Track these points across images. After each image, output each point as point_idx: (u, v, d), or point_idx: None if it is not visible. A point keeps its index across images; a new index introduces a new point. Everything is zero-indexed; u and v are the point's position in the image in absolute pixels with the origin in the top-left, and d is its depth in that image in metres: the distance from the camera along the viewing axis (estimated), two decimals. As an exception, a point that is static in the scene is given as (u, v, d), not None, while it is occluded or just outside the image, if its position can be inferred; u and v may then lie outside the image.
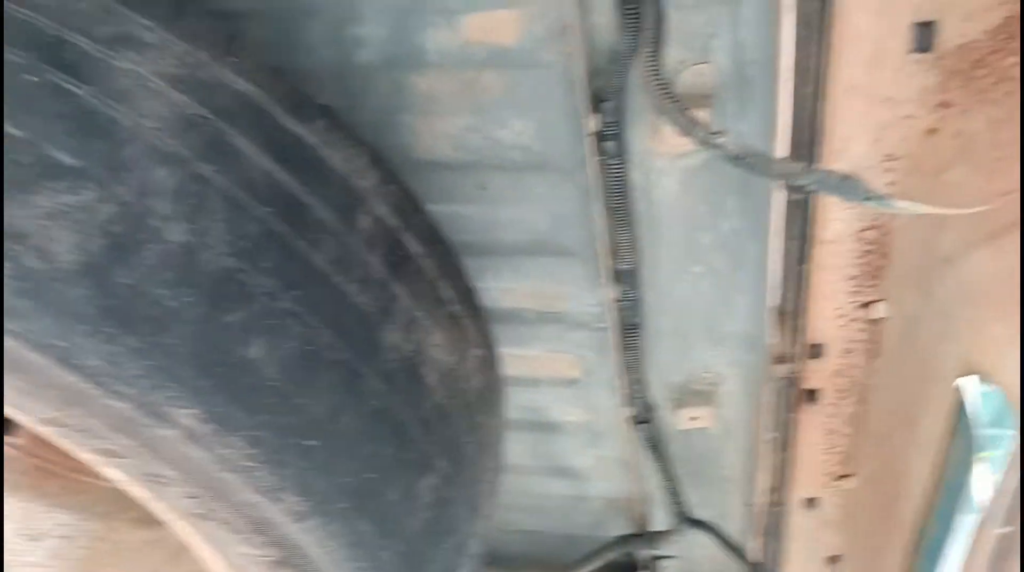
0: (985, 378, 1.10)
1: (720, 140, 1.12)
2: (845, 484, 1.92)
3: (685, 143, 1.65)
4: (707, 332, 2.12)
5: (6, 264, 0.99)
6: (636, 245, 1.90)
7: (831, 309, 1.62)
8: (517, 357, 2.36)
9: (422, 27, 1.66)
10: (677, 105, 1.15)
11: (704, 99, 1.63)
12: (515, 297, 2.19)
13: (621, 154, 1.72)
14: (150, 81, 1.16)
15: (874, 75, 1.27)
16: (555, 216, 1.95)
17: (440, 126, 1.82)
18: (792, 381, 1.82)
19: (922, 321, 1.29)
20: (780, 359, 1.81)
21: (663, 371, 2.25)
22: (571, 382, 2.38)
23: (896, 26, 1.21)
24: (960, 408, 1.20)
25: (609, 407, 2.40)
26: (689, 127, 1.13)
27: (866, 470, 1.76)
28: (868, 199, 1.10)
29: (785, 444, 1.98)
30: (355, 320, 1.29)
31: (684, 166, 1.78)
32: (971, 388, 1.16)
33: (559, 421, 2.55)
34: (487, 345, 1.70)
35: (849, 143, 1.37)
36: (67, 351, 1.04)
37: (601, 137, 1.69)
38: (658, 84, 1.17)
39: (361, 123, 1.82)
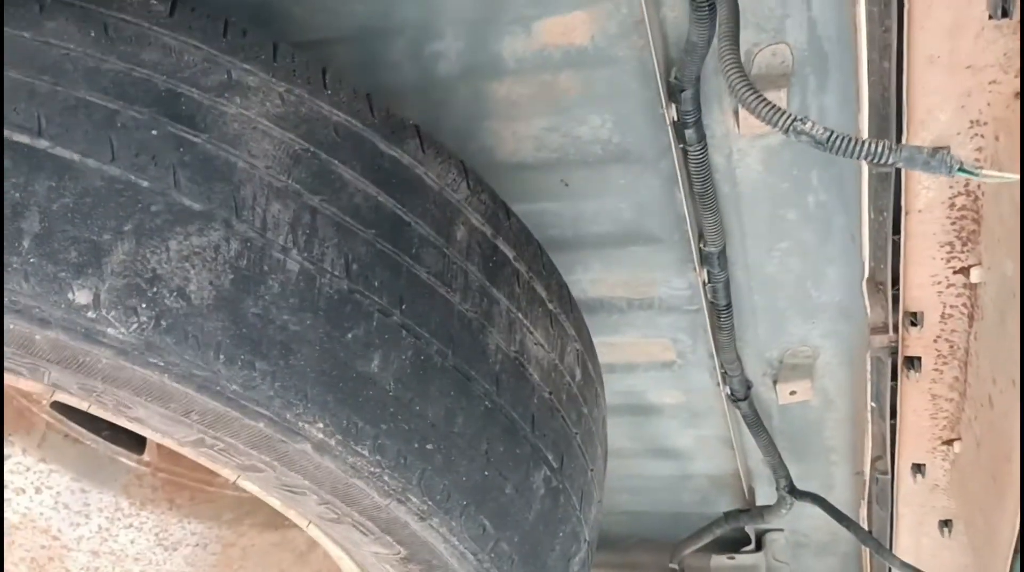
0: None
1: (805, 126, 1.14)
2: (953, 449, 1.92)
3: (765, 125, 1.68)
4: (800, 306, 2.13)
5: (151, 307, 1.09)
6: (722, 227, 1.92)
7: (927, 276, 1.62)
8: (612, 345, 2.40)
9: (498, 36, 1.71)
10: (758, 96, 1.17)
11: (782, 78, 1.65)
12: (606, 287, 2.24)
13: (702, 139, 1.75)
14: (257, 123, 1.25)
15: (954, 44, 1.27)
16: (639, 205, 1.98)
17: (521, 128, 1.88)
18: (892, 350, 1.82)
19: (1019, 284, 1.29)
20: (879, 329, 1.82)
21: (759, 347, 2.27)
22: (667, 365, 2.42)
23: (973, -6, 1.22)
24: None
25: (707, 387, 2.43)
26: (773, 116, 1.16)
27: (973, 433, 1.75)
28: (959, 171, 1.11)
29: (890, 412, 1.97)
30: (461, 327, 1.37)
31: (765, 145, 1.80)
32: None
33: (658, 404, 2.59)
34: (584, 338, 1.76)
35: (933, 113, 1.37)
36: (208, 380, 1.14)
37: (681, 125, 1.72)
38: (739, 77, 1.19)
39: (446, 131, 1.91)
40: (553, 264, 1.72)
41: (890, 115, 1.41)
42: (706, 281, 2.05)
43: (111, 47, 1.23)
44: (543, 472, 1.49)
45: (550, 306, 1.62)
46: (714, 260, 1.98)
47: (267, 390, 1.16)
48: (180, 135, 1.19)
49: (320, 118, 1.32)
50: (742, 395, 2.34)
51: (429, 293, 1.34)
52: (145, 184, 1.14)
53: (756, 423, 2.41)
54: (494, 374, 1.40)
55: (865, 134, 1.48)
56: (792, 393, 2.28)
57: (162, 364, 1.12)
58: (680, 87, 1.64)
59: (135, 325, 1.10)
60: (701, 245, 1.97)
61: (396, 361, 1.26)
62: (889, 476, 2.12)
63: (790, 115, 1.15)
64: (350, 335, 1.22)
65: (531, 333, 1.53)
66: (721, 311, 2.10)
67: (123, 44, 1.24)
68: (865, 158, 1.13)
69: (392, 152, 1.39)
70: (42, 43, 1.19)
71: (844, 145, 1.13)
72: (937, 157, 1.11)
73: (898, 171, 1.52)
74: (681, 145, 1.76)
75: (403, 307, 1.29)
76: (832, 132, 1.13)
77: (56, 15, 1.22)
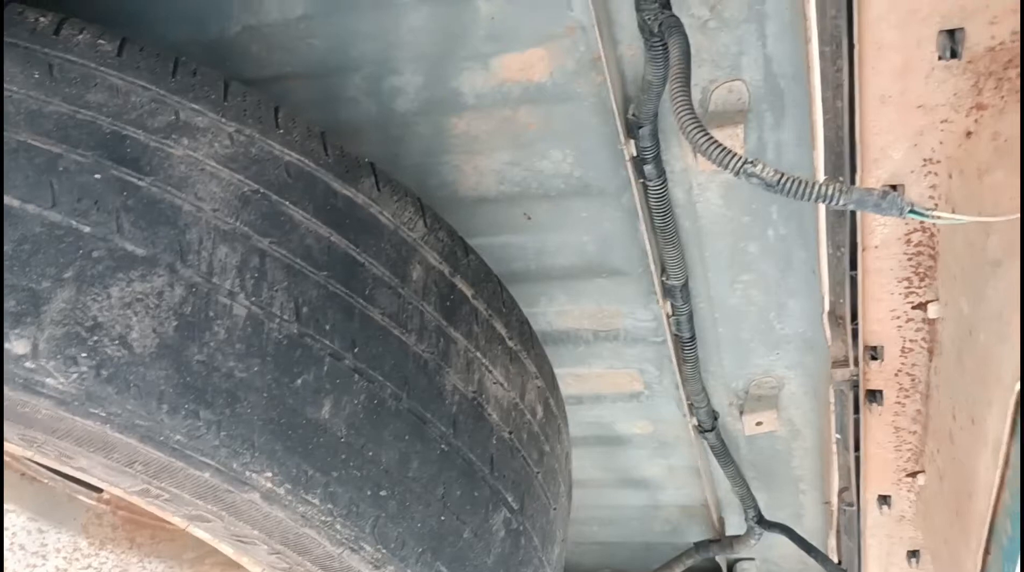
0: (1043, 383, 1.10)
1: (755, 169, 1.13)
2: (917, 481, 1.91)
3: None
4: (764, 337, 2.13)
5: (91, 356, 1.07)
6: (684, 260, 1.92)
7: (885, 311, 1.62)
8: (579, 376, 2.39)
9: (457, 72, 1.71)
10: (709, 138, 1.17)
11: (738, 115, 1.66)
12: (571, 318, 2.23)
13: (661, 174, 1.75)
14: (205, 164, 1.23)
15: (905, 84, 1.28)
16: (602, 238, 1.98)
17: (483, 163, 1.87)
18: (854, 383, 1.82)
19: (977, 324, 1.29)
20: (840, 363, 1.81)
21: (725, 378, 2.27)
22: (634, 396, 2.41)
23: (922, 36, 1.22)
24: (1022, 411, 1.20)
25: (674, 417, 2.42)
26: (723, 158, 1.15)
27: (936, 467, 1.75)
28: (911, 213, 1.11)
29: (854, 445, 1.97)
30: (416, 369, 1.34)
31: (724, 180, 1.80)
32: (1031, 393, 1.16)
33: (626, 434, 2.58)
34: (545, 374, 1.74)
35: (887, 151, 1.38)
36: (151, 429, 1.11)
37: (640, 160, 1.72)
38: (689, 118, 1.19)
39: (406, 167, 1.90)
40: (514, 300, 1.70)
41: (844, 153, 1.41)
42: (670, 314, 2.04)
43: (55, 89, 1.20)
44: (503, 514, 1.46)
45: (510, 344, 1.60)
46: (677, 293, 1.97)
47: (212, 440, 1.13)
48: (124, 179, 1.16)
49: (271, 158, 1.31)
50: (709, 426, 2.33)
51: (383, 335, 1.32)
52: (87, 230, 1.11)
53: (723, 453, 2.40)
54: (451, 416, 1.38)
55: (820, 172, 1.48)
56: (758, 424, 2.28)
57: (104, 414, 1.09)
58: (638, 124, 1.64)
59: (75, 375, 1.07)
60: (664, 278, 1.97)
61: (348, 406, 1.24)
62: (855, 507, 2.11)
63: (740, 158, 1.14)
64: (300, 381, 1.20)
65: (490, 372, 1.51)
66: (685, 343, 2.09)
67: (68, 86, 1.21)
68: (816, 200, 1.12)
69: (346, 192, 1.37)
70: (-17, 85, 1.17)
71: (795, 187, 1.12)
72: (888, 199, 1.11)
73: (854, 207, 1.52)
74: (641, 180, 1.76)
75: (355, 350, 1.27)
76: (782, 175, 1.13)
77: (-2, 56, 1.20)
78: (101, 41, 1.30)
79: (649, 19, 1.37)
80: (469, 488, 1.40)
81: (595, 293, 2.12)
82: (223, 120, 1.30)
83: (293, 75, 1.76)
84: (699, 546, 2.87)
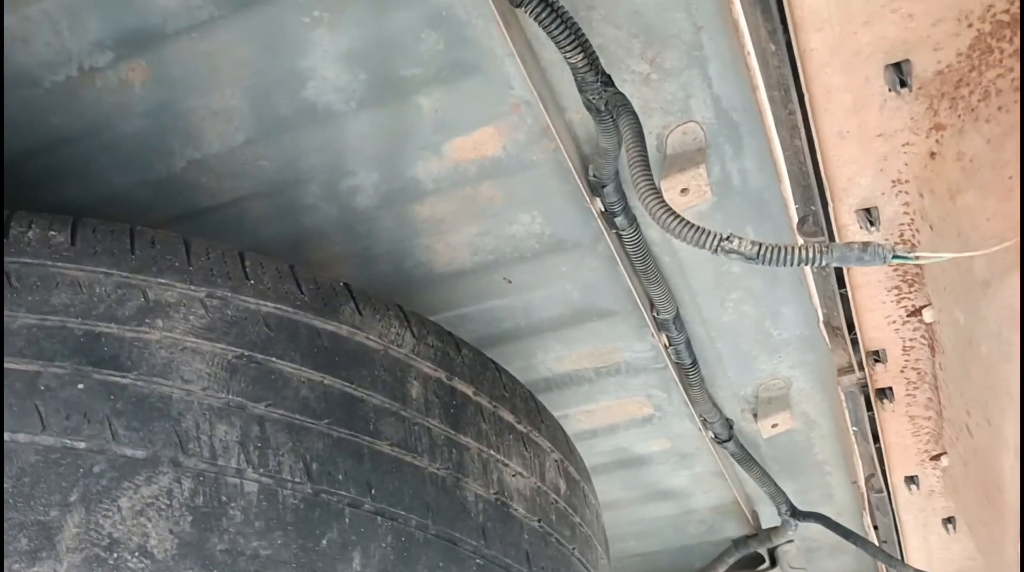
0: (1054, 401, 1.11)
1: (732, 244, 1.13)
2: (941, 463, 1.93)
3: (690, 198, 1.68)
4: (763, 344, 2.13)
5: (113, 577, 1.05)
6: (670, 294, 1.92)
7: (881, 318, 1.62)
8: (590, 412, 2.39)
9: (411, 162, 1.69)
10: (682, 222, 1.16)
11: (698, 154, 1.65)
12: (571, 361, 2.23)
13: (633, 222, 1.74)
14: (185, 342, 1.21)
15: (861, 119, 1.27)
16: (586, 286, 1.97)
17: (453, 239, 1.86)
18: (863, 385, 1.82)
19: (976, 337, 1.29)
20: (845, 370, 1.82)
21: (733, 389, 2.27)
22: (647, 420, 2.41)
23: (869, 73, 1.21)
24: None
25: (690, 431, 2.43)
26: (700, 239, 1.15)
27: (957, 452, 1.76)
28: (894, 258, 1.10)
29: (872, 437, 1.98)
30: (436, 491, 1.34)
31: (696, 212, 1.79)
32: (1043, 409, 1.16)
33: (646, 453, 2.58)
34: (559, 443, 1.74)
35: (854, 179, 1.37)
36: (189, 631, 1.09)
37: (610, 214, 1.71)
38: (658, 204, 1.18)
39: (378, 257, 1.88)
40: (514, 378, 1.69)
41: (811, 185, 1.41)
42: (667, 345, 2.04)
43: (18, 300, 1.18)
44: (548, 604, 1.46)
45: (520, 428, 1.59)
46: (670, 325, 1.97)
47: (252, 625, 1.12)
48: (108, 381, 1.14)
49: (248, 315, 1.29)
50: (726, 436, 2.33)
51: (396, 467, 1.31)
52: (82, 445, 1.09)
53: (746, 458, 2.41)
54: (479, 527, 1.37)
55: (791, 205, 1.48)
56: (774, 426, 2.29)
57: (137, 626, 1.08)
58: (600, 183, 1.62)
59: (102, 597, 1.05)
60: (655, 314, 1.96)
61: (377, 552, 1.22)
62: (885, 492, 2.12)
63: (716, 236, 1.14)
64: (324, 541, 1.18)
65: (507, 465, 1.50)
66: (688, 369, 2.09)
67: (30, 293, 1.19)
68: (799, 265, 1.12)
69: (329, 327, 1.36)
70: (-55, 315, 1.14)
71: (775, 255, 1.12)
72: (869, 250, 1.11)
73: (830, 226, 1.52)
74: (614, 230, 1.75)
75: (373, 492, 1.25)
76: (760, 245, 1.12)
77: (-46, 279, 1.18)
78: (52, 233, 1.27)
79: (594, 98, 1.35)
80: (511, 591, 1.39)
81: (589, 336, 2.12)
82: (192, 287, 1.28)
83: (248, 196, 1.73)
84: (737, 543, 2.90)
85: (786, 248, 1.13)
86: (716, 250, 1.14)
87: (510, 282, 1.96)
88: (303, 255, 1.84)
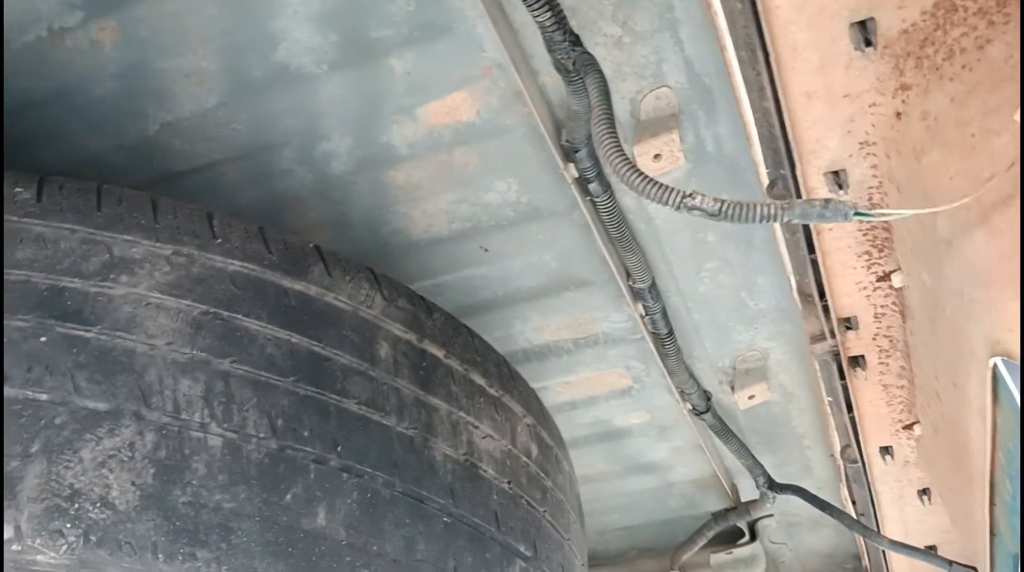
0: (1013, 357, 1.11)
1: (695, 201, 1.13)
2: (914, 432, 1.94)
3: (663, 164, 1.68)
4: (740, 315, 2.13)
5: (76, 525, 1.05)
6: (647, 263, 1.92)
7: (852, 285, 1.63)
8: (569, 383, 2.40)
9: (385, 127, 1.68)
10: (645, 178, 1.16)
11: (671, 119, 1.65)
12: (549, 332, 2.23)
13: (607, 189, 1.74)
14: (149, 298, 1.21)
15: (827, 79, 1.27)
16: (562, 255, 1.97)
17: (430, 206, 1.86)
18: (835, 353, 1.83)
19: (941, 297, 1.30)
20: (817, 337, 1.83)
21: (710, 361, 2.28)
22: (625, 391, 2.42)
23: (834, 31, 1.21)
24: (1000, 381, 1.21)
25: (668, 403, 2.44)
26: (662, 195, 1.15)
27: (929, 420, 1.77)
28: (856, 215, 1.11)
29: (847, 406, 1.99)
30: (404, 450, 1.34)
31: (671, 179, 1.79)
32: (1005, 366, 1.17)
33: (626, 426, 2.59)
34: (533, 408, 1.74)
35: (822, 141, 1.37)
36: (151, 580, 1.10)
37: (584, 181, 1.71)
38: (621, 161, 1.18)
39: (354, 224, 1.88)
40: (487, 345, 1.70)
41: (780, 149, 1.41)
42: (643, 314, 2.05)
43: (-19, 254, 1.18)
44: (517, 566, 1.47)
45: (491, 392, 1.60)
46: (646, 294, 1.97)
47: (215, 576, 1.12)
48: (71, 334, 1.14)
49: (215, 273, 1.29)
50: (703, 408, 2.34)
51: (363, 425, 1.31)
52: (44, 397, 1.10)
53: (724, 431, 2.42)
54: (447, 486, 1.38)
55: (762, 168, 1.48)
56: (751, 397, 2.30)
57: (100, 576, 1.08)
58: (574, 148, 1.62)
59: (64, 547, 1.06)
60: (630, 283, 1.97)
61: (343, 508, 1.23)
62: (860, 462, 2.14)
63: (678, 192, 1.14)
64: (289, 496, 1.19)
65: (477, 428, 1.51)
66: (664, 339, 2.10)
67: (-7, 248, 1.19)
68: (761, 221, 1.12)
69: (297, 287, 1.36)
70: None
71: (737, 212, 1.12)
72: (831, 207, 1.11)
73: (799, 190, 1.52)
74: (588, 197, 1.75)
75: (339, 449, 1.26)
76: (723, 202, 1.13)
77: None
78: (18, 189, 1.27)
79: (562, 58, 1.35)
80: (480, 551, 1.40)
81: (567, 306, 2.12)
82: (158, 245, 1.28)
83: (222, 160, 1.73)
84: (717, 516, 2.92)
85: (748, 205, 1.13)
86: (679, 207, 1.15)
87: (487, 251, 1.96)
88: (281, 221, 1.84)
